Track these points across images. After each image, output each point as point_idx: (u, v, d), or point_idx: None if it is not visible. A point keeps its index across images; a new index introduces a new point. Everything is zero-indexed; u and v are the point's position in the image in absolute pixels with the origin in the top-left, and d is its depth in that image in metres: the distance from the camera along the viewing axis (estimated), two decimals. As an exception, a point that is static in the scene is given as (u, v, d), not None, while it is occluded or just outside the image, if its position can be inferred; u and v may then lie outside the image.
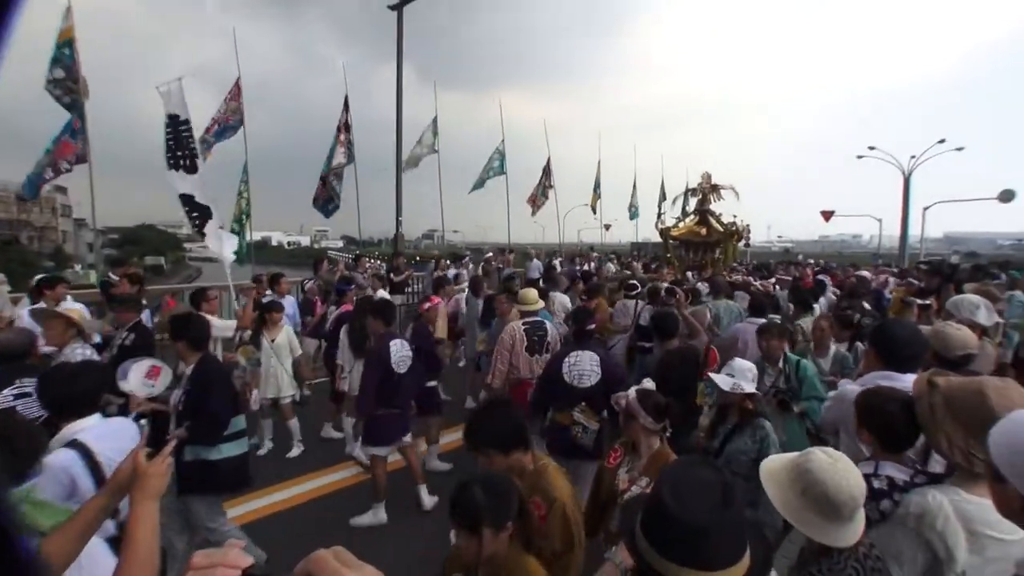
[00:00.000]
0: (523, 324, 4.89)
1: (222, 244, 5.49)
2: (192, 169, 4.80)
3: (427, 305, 5.55)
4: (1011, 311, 5.62)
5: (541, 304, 5.32)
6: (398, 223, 15.07)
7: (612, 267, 15.22)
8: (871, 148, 27.86)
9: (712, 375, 2.98)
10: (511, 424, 2.27)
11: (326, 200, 12.71)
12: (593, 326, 4.22)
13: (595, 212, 22.53)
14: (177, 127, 4.74)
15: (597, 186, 21.59)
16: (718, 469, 1.38)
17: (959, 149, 26.54)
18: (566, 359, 3.75)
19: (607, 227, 29.78)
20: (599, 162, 21.62)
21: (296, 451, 5.61)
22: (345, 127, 13.31)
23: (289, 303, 7.50)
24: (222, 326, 5.30)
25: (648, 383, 2.69)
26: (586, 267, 14.16)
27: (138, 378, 3.12)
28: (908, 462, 1.94)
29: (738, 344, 5.04)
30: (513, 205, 17.53)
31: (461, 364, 8.40)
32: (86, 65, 7.60)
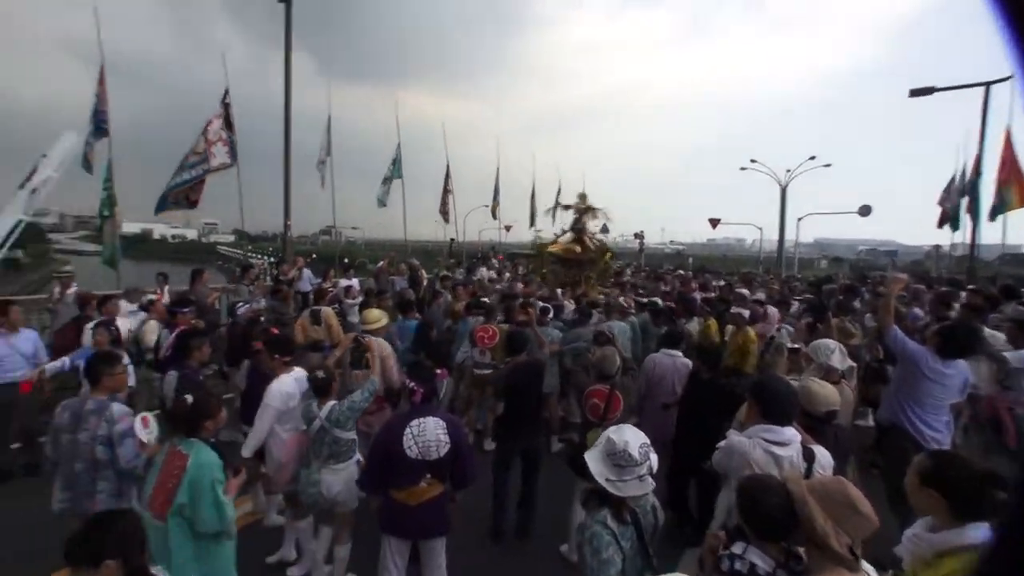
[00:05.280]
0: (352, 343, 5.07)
1: None
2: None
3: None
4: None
5: (384, 322, 5.36)
6: (286, 226, 14.36)
7: (485, 273, 14.21)
8: (753, 161, 29.19)
9: (589, 459, 2.26)
10: None
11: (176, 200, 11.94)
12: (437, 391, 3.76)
13: (495, 217, 22.77)
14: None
15: (497, 193, 21.80)
16: None
17: (827, 165, 28.73)
18: (407, 429, 3.29)
19: (507, 228, 29.99)
20: (498, 169, 21.85)
21: None
22: (228, 125, 12.46)
23: (27, 338, 5.54)
24: None
25: None
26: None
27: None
28: (776, 553, 1.97)
29: (652, 379, 4.85)
30: (412, 203, 17.26)
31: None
32: None
